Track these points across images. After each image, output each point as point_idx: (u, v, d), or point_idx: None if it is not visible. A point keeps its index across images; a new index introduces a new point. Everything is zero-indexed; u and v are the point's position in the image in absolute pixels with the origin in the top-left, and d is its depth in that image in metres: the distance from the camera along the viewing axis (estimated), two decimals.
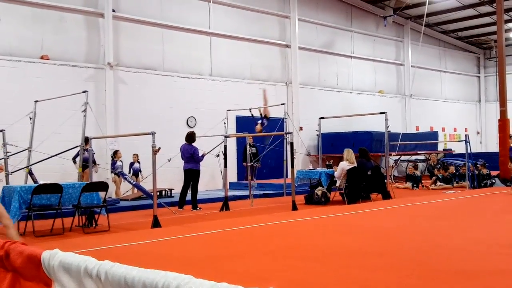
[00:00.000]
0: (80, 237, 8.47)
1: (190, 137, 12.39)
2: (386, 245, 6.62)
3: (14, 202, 8.67)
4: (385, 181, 13.77)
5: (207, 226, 8.74)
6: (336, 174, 13.07)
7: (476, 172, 16.45)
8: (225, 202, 12.00)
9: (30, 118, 12.25)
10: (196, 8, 17.58)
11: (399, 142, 17.63)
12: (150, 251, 6.59)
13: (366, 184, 13.01)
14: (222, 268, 5.41)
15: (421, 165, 22.09)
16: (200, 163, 12.41)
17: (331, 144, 19.16)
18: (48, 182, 9.45)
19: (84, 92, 11.17)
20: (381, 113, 14.66)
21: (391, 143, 15.37)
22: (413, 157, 22.61)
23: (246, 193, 14.63)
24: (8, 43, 13.72)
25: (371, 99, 23.49)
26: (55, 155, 11.78)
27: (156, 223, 9.13)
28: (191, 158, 12.17)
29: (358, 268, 5.24)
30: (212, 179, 16.94)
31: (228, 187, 12.81)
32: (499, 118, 17.98)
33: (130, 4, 16.04)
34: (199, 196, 12.74)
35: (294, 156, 12.37)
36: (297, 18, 20.25)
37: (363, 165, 13.07)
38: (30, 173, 12.18)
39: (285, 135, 13.67)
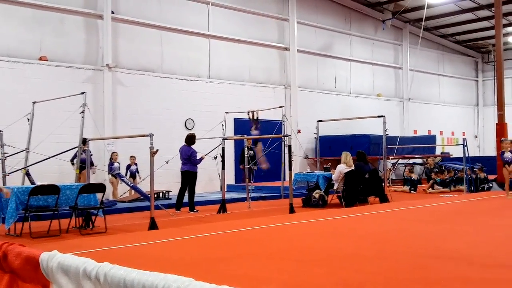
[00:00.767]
0: (77, 238, 8.45)
1: (190, 139, 12.39)
2: (384, 248, 6.62)
3: (11, 203, 8.65)
4: (383, 184, 13.77)
5: (204, 229, 8.72)
6: (333, 177, 13.07)
7: (474, 176, 16.46)
8: (223, 205, 11.99)
9: (28, 119, 12.24)
10: (195, 10, 17.59)
11: (397, 146, 17.63)
12: (147, 253, 6.58)
13: (363, 187, 13.01)
14: (219, 270, 5.40)
15: (418, 169, 22.12)
16: (198, 165, 12.40)
17: (329, 147, 19.16)
18: (45, 183, 9.43)
19: (82, 93, 11.17)
20: (379, 116, 14.68)
21: (389, 146, 15.36)
22: (411, 161, 22.62)
23: (243, 195, 14.63)
24: (7, 44, 13.70)
25: (369, 103, 23.51)
26: (53, 156, 11.76)
27: (153, 225, 9.12)
28: (189, 160, 12.17)
29: (355, 272, 5.24)
30: (210, 181, 16.93)
31: (225, 190, 12.80)
32: (497, 122, 18.00)
33: (129, 6, 16.05)
34: (196, 198, 12.73)
35: (292, 159, 12.37)
36: (296, 21, 20.27)
37: (361, 168, 13.08)
38: (28, 174, 12.16)
39: (283, 137, 13.67)
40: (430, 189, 17.02)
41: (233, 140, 17.44)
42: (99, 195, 9.81)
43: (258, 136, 14.95)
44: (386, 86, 24.87)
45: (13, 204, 8.64)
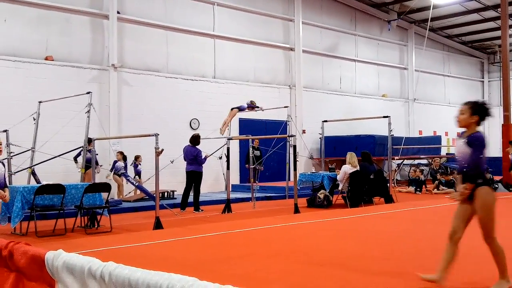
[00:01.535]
0: (82, 238, 8.48)
1: (195, 140, 12.41)
2: (389, 249, 6.61)
3: (17, 202, 8.69)
4: (388, 185, 13.75)
5: (209, 228, 8.74)
6: (338, 177, 13.06)
7: None
8: (227, 204, 12.01)
9: (34, 119, 12.28)
10: (201, 11, 17.61)
11: (402, 146, 17.60)
12: (151, 252, 6.60)
13: (368, 187, 12.99)
14: (223, 270, 5.42)
15: (424, 169, 22.06)
16: (203, 165, 12.42)
17: (334, 148, 19.14)
18: (51, 182, 9.47)
19: (88, 93, 11.20)
20: (384, 117, 14.65)
21: (394, 147, 15.34)
22: (416, 161, 22.56)
23: (248, 195, 14.64)
24: (13, 44, 13.76)
25: (375, 103, 23.47)
26: (58, 155, 11.80)
27: (158, 225, 9.15)
28: (194, 160, 12.19)
29: (360, 272, 5.24)
30: (215, 181, 16.94)
31: (230, 189, 12.81)
32: (502, 123, 17.94)
33: (135, 6, 16.08)
34: (201, 198, 12.74)
35: (297, 159, 12.37)
36: (301, 22, 20.26)
37: (366, 169, 13.06)
38: (33, 173, 12.21)
39: (288, 138, 13.67)
40: (435, 189, 16.99)
41: (238, 140, 17.44)
42: (104, 195, 9.84)
43: (264, 137, 14.96)
44: (391, 86, 24.83)
45: (19, 203, 8.68)
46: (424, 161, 23.13)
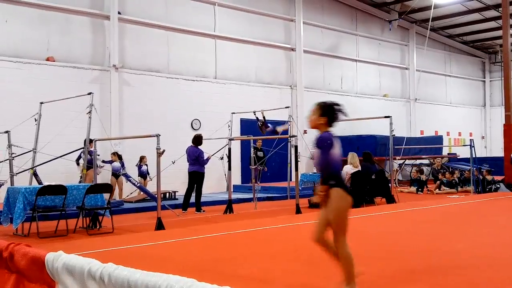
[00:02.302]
0: (84, 238, 8.49)
1: (197, 140, 12.41)
2: (390, 249, 6.61)
3: (18, 203, 8.70)
4: (389, 185, 13.74)
5: (210, 229, 8.74)
6: None
7: (481, 177, 16.39)
8: (229, 205, 12.00)
9: (35, 120, 12.28)
10: (202, 11, 17.62)
11: (403, 146, 17.58)
12: (153, 253, 6.60)
13: (370, 188, 12.98)
14: (225, 271, 5.41)
15: (425, 170, 22.05)
16: (205, 166, 12.42)
17: None
18: (53, 183, 9.48)
19: (89, 94, 11.20)
20: (385, 117, 14.64)
21: (395, 147, 15.32)
22: (418, 161, 22.55)
23: (250, 196, 14.64)
24: (14, 45, 13.77)
25: (376, 103, 23.46)
26: (60, 156, 11.80)
27: (160, 226, 9.14)
28: (196, 160, 12.19)
29: (362, 273, 5.23)
30: (217, 181, 16.94)
31: (232, 190, 12.80)
32: (504, 123, 17.92)
33: (136, 7, 16.09)
34: (203, 199, 12.74)
35: (298, 160, 12.36)
36: (302, 22, 20.26)
37: (367, 169, 13.05)
38: (35, 174, 12.21)
39: (289, 138, 13.67)
40: (437, 190, 16.97)
41: (240, 140, 17.44)
42: (106, 196, 9.84)
43: (264, 137, 14.95)
44: (392, 86, 24.81)
45: (21, 204, 8.68)
46: (426, 161, 23.12)
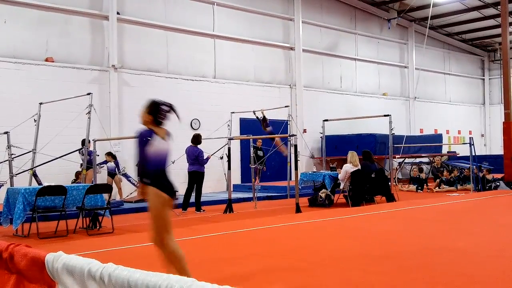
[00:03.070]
0: (84, 239, 8.49)
1: (196, 139, 12.40)
2: (390, 248, 6.61)
3: (18, 204, 8.69)
4: (389, 183, 13.74)
5: (210, 229, 8.74)
6: (340, 176, 13.05)
7: (481, 175, 16.40)
8: (229, 205, 12.00)
9: (35, 120, 12.28)
10: (200, 11, 17.61)
11: (403, 145, 17.58)
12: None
13: (370, 186, 12.99)
14: (225, 270, 5.42)
15: (425, 168, 22.06)
16: (205, 165, 12.42)
17: (335, 147, 19.14)
18: (52, 184, 9.47)
19: (88, 94, 11.20)
20: (385, 115, 14.66)
21: (395, 145, 15.33)
22: (417, 160, 22.56)
23: (250, 195, 14.65)
24: (13, 46, 13.77)
25: (375, 102, 23.47)
26: (60, 157, 11.80)
27: None
28: (196, 160, 12.18)
29: (362, 271, 5.23)
30: (216, 181, 16.94)
31: (232, 189, 12.80)
32: (503, 120, 17.93)
33: (135, 7, 16.08)
34: (203, 198, 12.74)
35: (298, 159, 12.36)
36: (301, 21, 20.26)
37: (367, 168, 13.06)
38: (35, 175, 12.22)
39: (289, 137, 13.68)
40: (437, 188, 16.98)
41: (239, 140, 17.45)
42: (106, 196, 9.84)
43: (264, 137, 14.97)
44: (392, 85, 24.82)
45: (21, 205, 8.68)
46: (426, 160, 23.13)
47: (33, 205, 8.74)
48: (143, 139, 4.37)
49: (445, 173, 17.68)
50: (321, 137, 17.12)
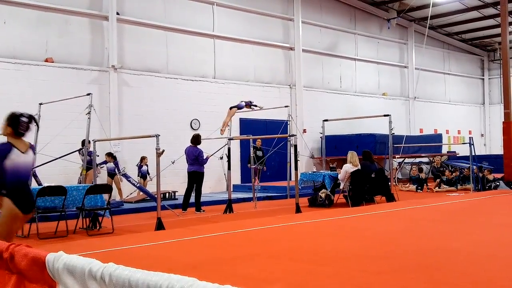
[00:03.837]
0: (84, 239, 8.49)
1: (196, 140, 12.41)
2: (390, 248, 6.61)
3: None
4: (389, 183, 13.74)
5: (210, 229, 8.73)
6: (339, 176, 13.05)
7: (480, 174, 16.40)
8: (229, 205, 12.00)
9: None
10: (200, 11, 17.62)
11: (403, 145, 17.58)
12: (153, 253, 6.59)
13: (370, 186, 12.99)
14: (225, 270, 5.41)
15: (425, 168, 22.06)
16: (205, 165, 12.42)
17: (335, 147, 19.14)
18: (52, 184, 9.48)
19: (88, 94, 11.21)
20: (385, 115, 14.65)
21: (395, 145, 15.33)
22: (417, 160, 22.56)
23: (249, 195, 14.65)
24: (13, 46, 13.77)
25: (375, 102, 23.48)
26: (59, 157, 11.81)
27: (160, 226, 9.14)
28: (196, 160, 12.19)
29: (362, 272, 5.23)
30: (216, 181, 16.95)
31: (231, 190, 12.80)
32: (503, 120, 17.93)
33: (134, 7, 16.09)
34: (203, 199, 12.75)
35: (298, 159, 12.36)
36: (300, 21, 20.27)
37: (367, 168, 13.06)
38: (34, 175, 12.21)
39: (288, 137, 13.69)
40: (437, 188, 16.98)
41: (239, 140, 17.44)
42: (106, 196, 9.84)
43: (265, 137, 14.96)
44: (391, 85, 24.83)
45: None
46: (425, 159, 23.14)
47: None
48: (0, 152, 4.41)
49: (446, 173, 17.68)
50: (321, 137, 17.12)
